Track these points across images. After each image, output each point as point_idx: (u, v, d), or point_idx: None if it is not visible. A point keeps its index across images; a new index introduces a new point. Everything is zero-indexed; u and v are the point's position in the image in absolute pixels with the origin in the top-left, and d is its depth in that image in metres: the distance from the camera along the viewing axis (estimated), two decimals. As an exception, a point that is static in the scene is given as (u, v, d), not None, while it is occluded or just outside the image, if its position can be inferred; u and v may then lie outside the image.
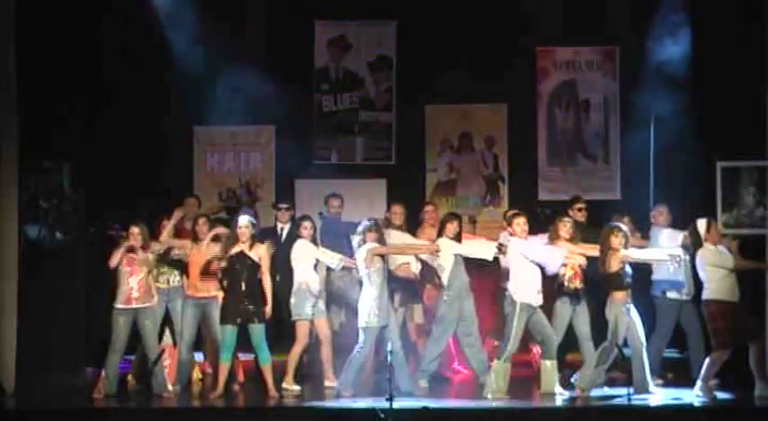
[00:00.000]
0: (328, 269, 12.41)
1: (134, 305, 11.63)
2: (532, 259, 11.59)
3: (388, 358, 11.01)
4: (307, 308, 12.04)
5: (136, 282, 11.65)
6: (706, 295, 11.64)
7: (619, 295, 11.44)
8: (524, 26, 14.49)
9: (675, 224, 12.57)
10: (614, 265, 11.43)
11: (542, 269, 11.67)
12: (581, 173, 14.91)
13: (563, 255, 11.70)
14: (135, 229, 11.70)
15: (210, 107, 14.66)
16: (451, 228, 12.03)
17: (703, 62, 13.99)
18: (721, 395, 11.59)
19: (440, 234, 12.10)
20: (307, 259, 12.11)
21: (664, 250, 11.97)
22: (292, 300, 12.11)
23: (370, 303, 11.64)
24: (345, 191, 13.66)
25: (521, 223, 11.70)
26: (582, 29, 14.59)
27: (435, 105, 15.04)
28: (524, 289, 11.55)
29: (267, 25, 14.81)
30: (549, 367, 11.72)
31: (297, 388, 12.02)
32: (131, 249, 11.63)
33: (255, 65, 14.47)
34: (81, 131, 13.22)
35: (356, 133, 15.13)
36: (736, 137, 13.62)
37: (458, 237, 12.06)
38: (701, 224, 11.72)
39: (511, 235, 11.79)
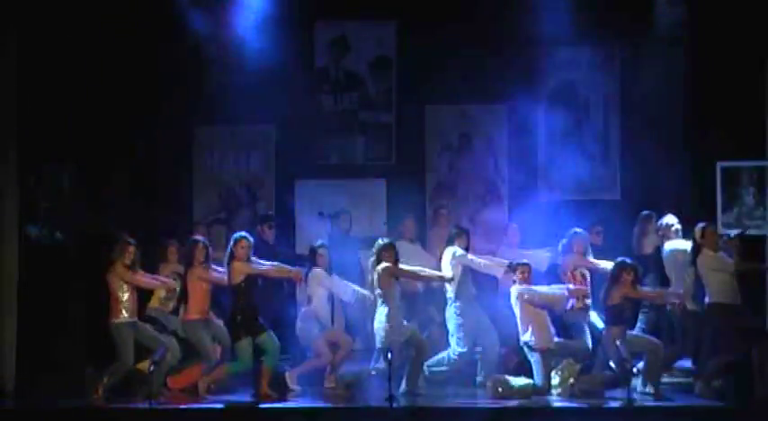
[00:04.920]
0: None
1: (135, 318, 11.73)
2: (537, 303, 11.69)
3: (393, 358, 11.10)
4: (314, 330, 12.13)
5: (134, 295, 11.72)
6: (708, 299, 11.66)
7: (615, 331, 11.49)
8: (524, 26, 14.47)
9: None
10: (615, 298, 11.49)
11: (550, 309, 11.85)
12: (581, 173, 14.89)
13: (566, 292, 11.84)
14: (132, 248, 11.75)
15: (211, 107, 14.65)
16: (460, 243, 12.14)
17: (703, 62, 13.99)
18: (721, 395, 11.59)
19: (448, 245, 12.20)
20: (321, 289, 12.16)
21: (667, 290, 12.07)
22: (299, 325, 12.20)
23: (385, 323, 11.63)
24: (345, 191, 13.66)
25: (525, 271, 11.89)
26: (582, 29, 14.57)
27: (435, 105, 15.02)
28: (540, 335, 11.64)
29: (267, 25, 14.79)
30: (571, 367, 11.70)
31: (297, 388, 12.02)
32: (131, 265, 11.73)
33: (256, 64, 14.49)
34: (81, 131, 13.22)
35: (356, 133, 15.12)
36: (736, 137, 13.63)
37: (467, 251, 12.19)
38: (697, 231, 11.82)
39: (514, 282, 11.88)
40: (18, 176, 12.08)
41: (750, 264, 11.93)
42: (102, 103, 13.88)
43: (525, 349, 11.80)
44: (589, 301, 12.13)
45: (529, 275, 11.92)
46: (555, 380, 11.69)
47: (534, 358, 11.70)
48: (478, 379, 12.11)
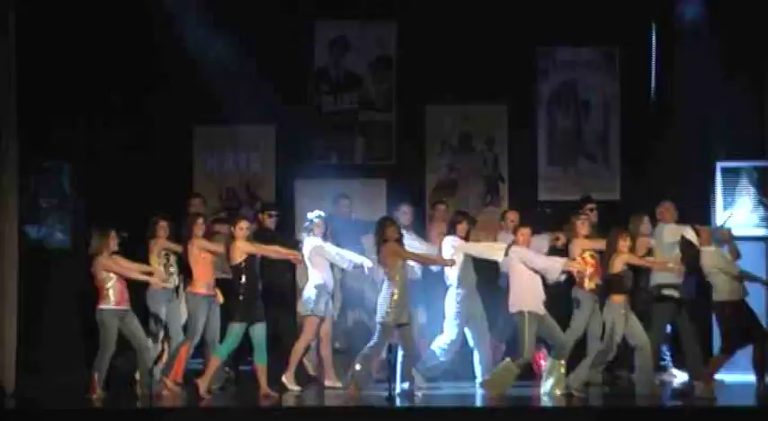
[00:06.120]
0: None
1: (124, 306, 11.69)
2: (533, 266, 11.68)
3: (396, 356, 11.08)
4: (321, 304, 12.09)
5: (122, 283, 11.69)
6: (715, 297, 11.67)
7: (617, 298, 11.49)
8: (524, 26, 14.48)
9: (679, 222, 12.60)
10: (617, 267, 11.50)
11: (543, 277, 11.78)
12: (581, 173, 14.90)
13: (563, 262, 11.82)
14: (113, 235, 11.73)
15: (211, 107, 14.65)
16: (461, 228, 12.15)
17: (703, 62, 13.99)
18: (721, 394, 11.59)
19: (449, 234, 12.20)
20: (321, 260, 12.14)
21: (666, 259, 12.03)
22: (307, 295, 12.14)
23: (388, 301, 11.62)
24: (345, 191, 13.67)
25: (525, 234, 11.84)
26: (582, 29, 14.58)
27: (435, 105, 15.03)
28: (529, 297, 11.61)
29: (267, 25, 14.79)
30: (557, 367, 11.69)
31: (297, 388, 12.02)
32: (114, 253, 11.73)
33: (256, 64, 14.49)
34: (81, 131, 13.22)
35: (356, 133, 15.13)
36: (736, 137, 13.63)
37: (467, 237, 12.18)
38: (690, 235, 11.85)
39: (513, 243, 11.86)
40: (18, 176, 12.07)
41: (753, 275, 11.97)
42: (103, 103, 13.89)
43: (512, 312, 11.70)
44: (600, 283, 12.05)
45: (528, 238, 11.86)
46: (546, 385, 11.67)
47: (521, 323, 11.60)
48: (478, 380, 12.11)
